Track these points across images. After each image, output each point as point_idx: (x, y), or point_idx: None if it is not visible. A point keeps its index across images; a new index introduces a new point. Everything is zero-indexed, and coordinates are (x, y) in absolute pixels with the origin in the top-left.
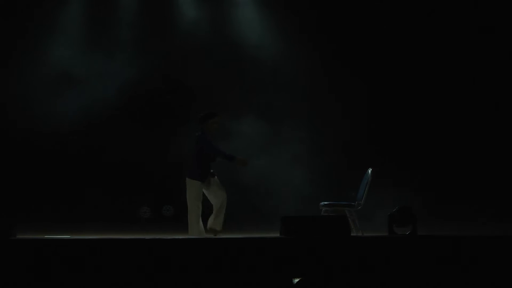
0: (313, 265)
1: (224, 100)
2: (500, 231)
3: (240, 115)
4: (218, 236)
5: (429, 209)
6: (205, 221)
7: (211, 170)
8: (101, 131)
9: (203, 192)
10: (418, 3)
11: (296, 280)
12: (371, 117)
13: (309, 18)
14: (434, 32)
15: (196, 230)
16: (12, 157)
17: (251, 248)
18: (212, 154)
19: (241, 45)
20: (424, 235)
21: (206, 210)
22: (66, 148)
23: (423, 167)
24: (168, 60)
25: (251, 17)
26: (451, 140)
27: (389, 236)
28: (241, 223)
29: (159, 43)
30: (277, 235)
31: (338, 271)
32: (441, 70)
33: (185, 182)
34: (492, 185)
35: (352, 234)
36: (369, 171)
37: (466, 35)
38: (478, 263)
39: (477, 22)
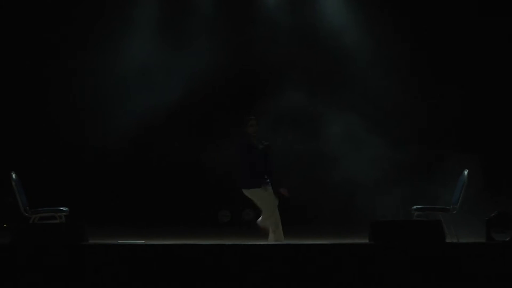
0: (405, 273)
1: (302, 90)
2: None
3: (317, 109)
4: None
5: None
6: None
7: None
8: (174, 130)
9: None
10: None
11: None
12: (462, 113)
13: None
14: None
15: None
16: (81, 160)
17: (339, 254)
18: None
19: (320, 31)
20: None
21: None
22: (136, 150)
23: None
24: (245, 50)
25: (333, 3)
26: None
27: (487, 243)
28: (329, 227)
29: (235, 32)
30: (366, 241)
31: (432, 280)
32: None
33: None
34: None
35: (447, 240)
36: (465, 172)
37: None
38: None
39: None
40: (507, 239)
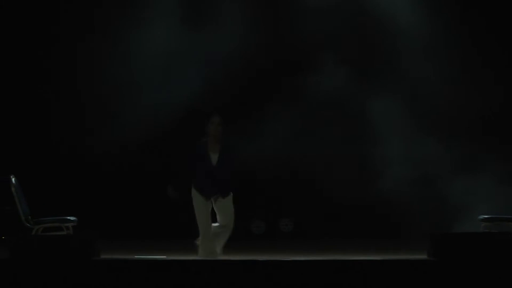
0: None
1: (343, 78)
2: None
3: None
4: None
5: None
6: None
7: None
8: (195, 129)
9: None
10: None
11: None
12: None
13: None
14: None
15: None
16: (91, 163)
17: (392, 272)
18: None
19: (368, 8)
20: None
21: None
22: (155, 153)
23: None
24: (277, 31)
25: None
26: None
27: None
28: (380, 241)
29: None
30: (424, 256)
31: None
32: None
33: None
34: None
35: None
36: None
37: None
38: None
39: None
40: None
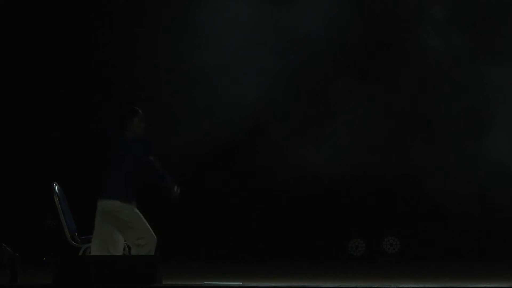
0: None
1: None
2: None
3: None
4: None
5: None
6: None
7: None
8: (279, 132)
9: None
10: None
11: None
12: None
13: None
14: None
15: None
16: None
17: None
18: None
19: None
20: None
21: None
22: (226, 159)
23: None
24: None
25: None
26: None
27: None
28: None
29: None
30: None
31: None
32: None
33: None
34: None
35: None
36: None
37: None
38: None
39: None
40: None
